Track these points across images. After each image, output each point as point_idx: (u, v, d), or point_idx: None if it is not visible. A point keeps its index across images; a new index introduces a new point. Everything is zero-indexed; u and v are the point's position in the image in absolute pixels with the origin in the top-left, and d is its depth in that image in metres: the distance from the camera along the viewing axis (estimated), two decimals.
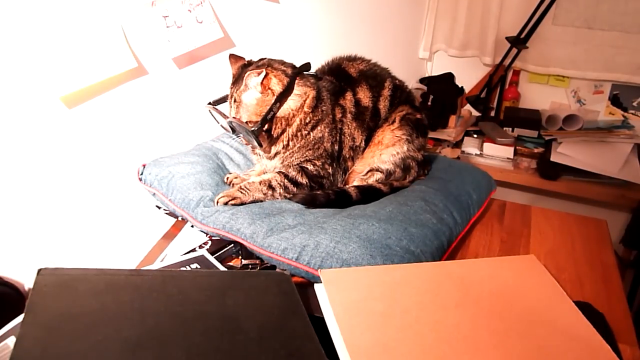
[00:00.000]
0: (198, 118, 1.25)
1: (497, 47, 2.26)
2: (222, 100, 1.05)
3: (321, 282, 0.71)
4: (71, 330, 0.54)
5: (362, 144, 1.08)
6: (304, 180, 1.02)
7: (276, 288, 0.70)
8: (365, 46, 1.24)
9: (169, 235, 1.01)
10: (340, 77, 1.08)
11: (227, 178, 1.07)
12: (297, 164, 1.03)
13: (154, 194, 1.04)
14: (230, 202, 0.97)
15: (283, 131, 1.01)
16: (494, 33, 2.24)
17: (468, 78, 2.38)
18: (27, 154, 0.90)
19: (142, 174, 1.06)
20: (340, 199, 1.00)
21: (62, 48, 0.90)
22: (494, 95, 2.33)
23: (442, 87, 2.27)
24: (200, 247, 0.93)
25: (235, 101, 1.00)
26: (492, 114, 2.35)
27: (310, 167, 1.03)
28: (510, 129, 2.19)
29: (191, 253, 0.89)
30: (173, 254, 0.93)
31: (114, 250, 0.98)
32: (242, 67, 1.02)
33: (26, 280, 0.85)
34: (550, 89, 2.29)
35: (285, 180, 1.01)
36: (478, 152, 2.12)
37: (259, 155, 1.08)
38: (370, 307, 0.67)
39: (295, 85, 1.00)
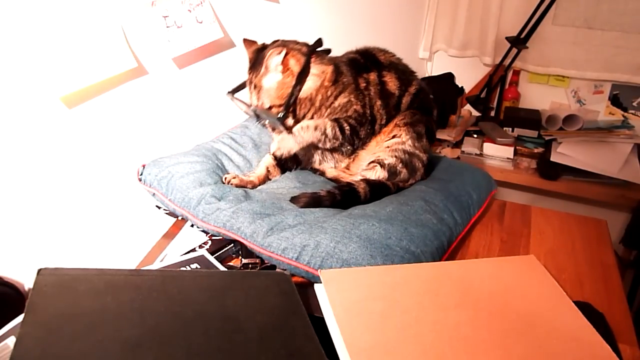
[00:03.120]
0: (198, 118, 1.25)
1: (497, 47, 2.25)
2: (241, 87, 1.05)
3: (321, 282, 0.71)
4: (71, 330, 0.54)
5: (379, 128, 1.09)
6: (346, 131, 1.03)
7: (276, 288, 0.70)
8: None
9: (169, 235, 1.01)
10: (367, 59, 1.09)
11: (225, 178, 1.06)
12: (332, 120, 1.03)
13: (154, 194, 1.04)
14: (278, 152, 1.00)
15: (308, 110, 1.02)
16: (494, 33, 2.24)
17: (468, 78, 2.38)
18: (27, 154, 0.90)
19: (141, 174, 1.06)
20: (346, 199, 0.99)
21: (62, 48, 0.90)
22: (494, 95, 2.33)
23: (442, 87, 2.27)
24: (200, 247, 0.93)
25: (255, 87, 0.99)
26: (492, 114, 2.35)
27: (346, 124, 1.03)
28: (510, 129, 2.19)
29: (191, 253, 0.89)
30: (173, 254, 0.93)
31: (114, 250, 0.98)
32: (258, 51, 1.02)
33: (26, 280, 0.85)
34: (550, 89, 2.29)
35: (338, 129, 1.02)
36: (478, 152, 2.12)
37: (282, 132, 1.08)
38: (370, 307, 0.67)
39: (312, 64, 1.00)
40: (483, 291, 0.74)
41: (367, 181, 1.03)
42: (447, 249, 0.94)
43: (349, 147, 1.07)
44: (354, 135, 1.05)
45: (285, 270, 0.84)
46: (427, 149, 1.11)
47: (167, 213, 1.05)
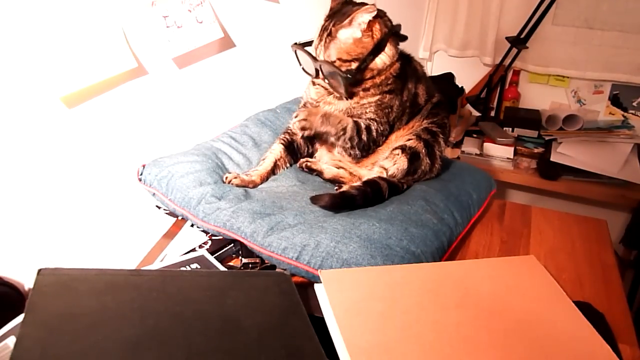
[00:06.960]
0: (198, 118, 1.25)
1: (497, 47, 2.26)
2: (308, 44, 1.05)
3: (321, 282, 0.71)
4: (71, 330, 0.54)
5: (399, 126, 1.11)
6: (365, 137, 1.04)
7: (276, 288, 0.70)
8: None
9: (169, 234, 1.01)
10: (409, 66, 1.12)
11: (226, 177, 1.06)
12: (367, 118, 1.04)
13: (154, 194, 1.04)
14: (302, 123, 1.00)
15: (370, 78, 1.03)
16: (494, 33, 2.24)
17: (468, 78, 2.38)
18: (27, 154, 0.90)
19: (141, 174, 1.06)
20: (375, 197, 0.98)
21: (62, 48, 0.90)
22: (494, 95, 2.33)
23: (442, 87, 2.27)
24: (200, 247, 0.93)
25: (329, 35, 0.99)
26: (492, 114, 2.35)
27: (374, 126, 1.04)
28: (510, 129, 2.19)
29: (191, 253, 0.89)
30: (173, 254, 0.93)
31: (114, 250, 0.98)
32: (343, 4, 1.03)
33: (26, 280, 0.85)
34: (550, 89, 2.29)
35: (355, 132, 1.02)
36: (478, 152, 2.12)
37: (324, 91, 1.08)
38: (371, 307, 0.67)
39: (388, 44, 1.01)
40: (483, 291, 0.74)
41: (386, 180, 1.03)
42: (447, 249, 0.94)
43: (357, 153, 1.07)
44: (371, 142, 1.06)
45: (285, 270, 0.84)
46: (447, 141, 1.13)
47: (167, 213, 1.05)
